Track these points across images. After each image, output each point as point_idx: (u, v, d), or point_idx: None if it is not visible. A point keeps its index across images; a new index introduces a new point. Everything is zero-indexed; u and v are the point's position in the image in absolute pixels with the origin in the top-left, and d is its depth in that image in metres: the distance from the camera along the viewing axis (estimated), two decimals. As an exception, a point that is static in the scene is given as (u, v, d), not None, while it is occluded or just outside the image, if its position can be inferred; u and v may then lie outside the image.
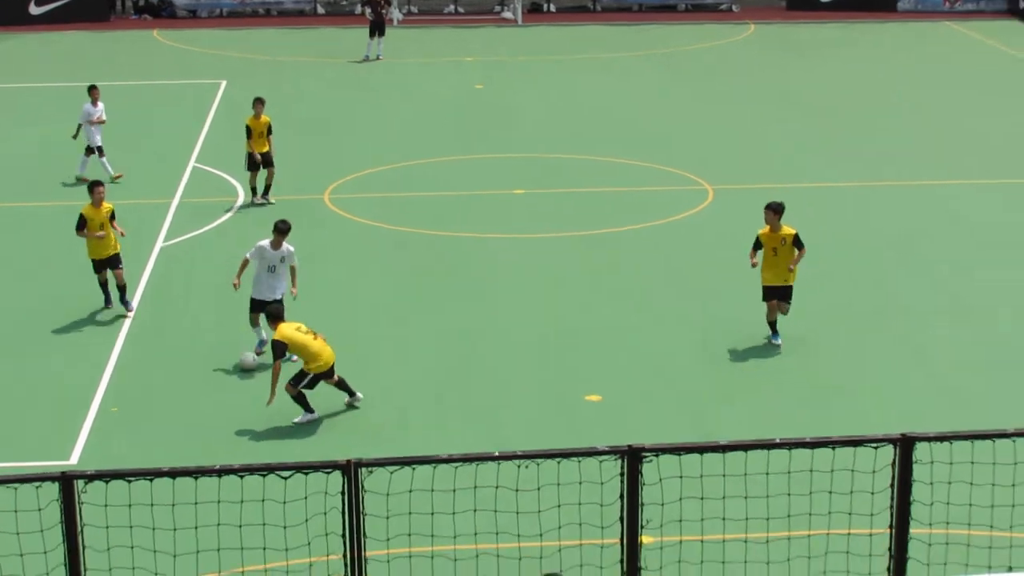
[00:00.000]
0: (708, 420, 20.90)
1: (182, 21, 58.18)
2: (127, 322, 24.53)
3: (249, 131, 31.86)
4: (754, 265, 23.49)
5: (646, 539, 10.88)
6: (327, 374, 20.99)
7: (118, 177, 34.00)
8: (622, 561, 10.55)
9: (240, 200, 32.64)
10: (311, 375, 20.78)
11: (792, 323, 23.67)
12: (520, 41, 53.92)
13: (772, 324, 23.73)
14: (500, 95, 44.10)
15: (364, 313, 25.83)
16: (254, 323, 23.24)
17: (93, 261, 25.02)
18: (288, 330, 20.74)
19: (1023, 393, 22.20)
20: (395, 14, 55.50)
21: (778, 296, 23.34)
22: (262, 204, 31.91)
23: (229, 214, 31.84)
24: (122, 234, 25.75)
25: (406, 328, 24.85)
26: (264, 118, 31.97)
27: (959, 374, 22.92)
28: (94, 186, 25.23)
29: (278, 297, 22.92)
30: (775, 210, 23.61)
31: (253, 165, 31.90)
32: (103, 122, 34.08)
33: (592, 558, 13.54)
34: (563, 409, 21.68)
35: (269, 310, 21.47)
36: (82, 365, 23.32)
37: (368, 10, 51.11)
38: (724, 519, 12.72)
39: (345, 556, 10.21)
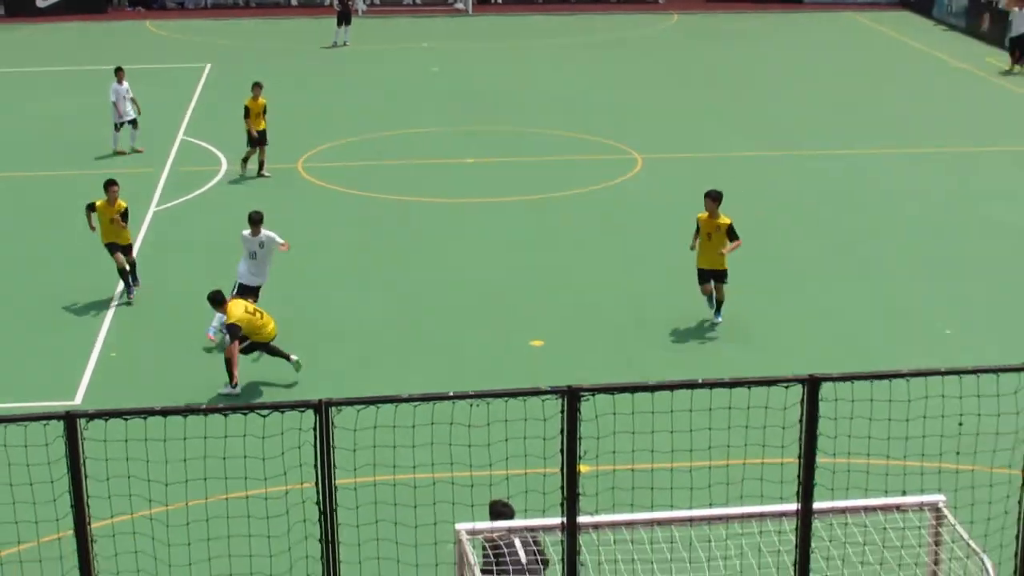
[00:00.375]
0: (639, 363, 20.90)
1: (171, 12, 57.92)
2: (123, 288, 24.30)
3: (247, 111, 31.48)
4: (692, 248, 22.68)
5: (584, 468, 10.72)
6: (264, 345, 20.66)
7: (139, 151, 33.90)
8: (562, 488, 10.41)
9: (224, 169, 32.39)
10: (250, 341, 20.40)
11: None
12: (471, 29, 53.76)
13: (709, 299, 22.61)
14: (453, 77, 43.92)
15: (331, 268, 25.80)
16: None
17: (105, 245, 23.66)
18: (238, 311, 20.06)
19: (914, 339, 22.27)
20: (360, 5, 55.32)
21: (713, 278, 22.45)
22: (263, 177, 31.68)
23: (212, 183, 31.60)
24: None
25: (369, 281, 24.81)
26: (261, 100, 31.54)
27: (859, 324, 22.98)
28: (109, 185, 23.63)
29: (261, 282, 22.12)
30: (714, 198, 22.35)
31: (252, 141, 31.56)
32: (123, 103, 33.71)
33: (536, 486, 13.38)
34: (510, 353, 21.74)
35: (210, 296, 20.39)
36: (85, 316, 23.25)
37: (336, 1, 51.35)
38: (652, 451, 12.59)
39: (317, 484, 10.09)
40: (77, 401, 19.79)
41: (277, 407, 9.78)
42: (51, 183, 31.64)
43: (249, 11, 58.18)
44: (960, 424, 11.74)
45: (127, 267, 23.66)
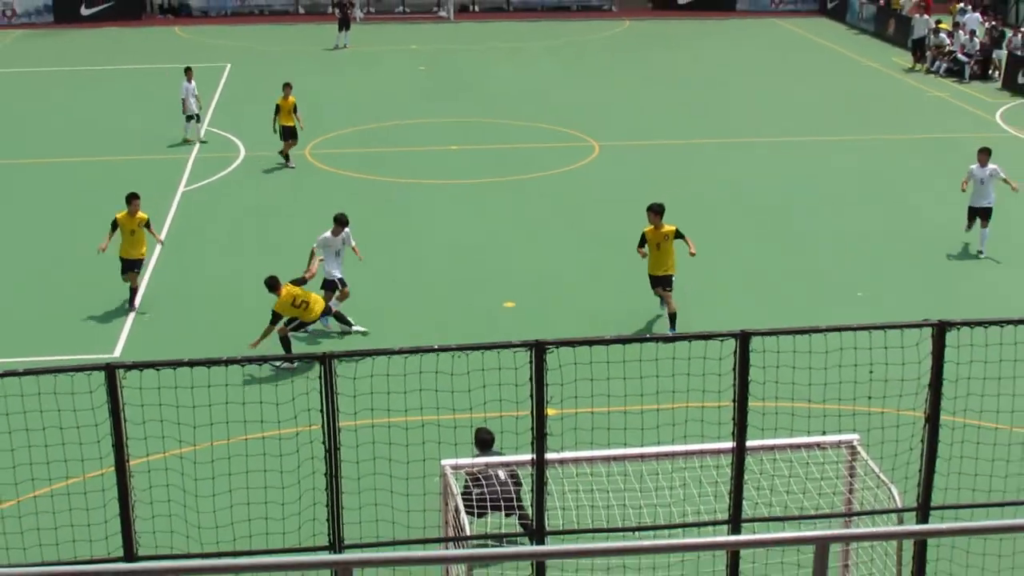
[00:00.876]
0: (598, 320, 20.85)
1: (196, 19, 57.44)
2: (157, 248, 24.05)
3: (278, 108, 30.99)
4: (643, 256, 21.17)
5: (551, 412, 10.72)
6: (309, 323, 20.15)
7: (203, 142, 33.57)
8: (533, 428, 10.39)
9: (242, 155, 32.22)
10: (299, 321, 19.86)
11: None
12: (452, 33, 53.52)
13: (662, 301, 21.19)
14: (438, 75, 43.72)
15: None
16: (326, 300, 20.84)
17: (120, 259, 21.89)
18: (285, 301, 19.39)
19: (832, 301, 22.30)
20: (357, 13, 54.98)
21: (661, 284, 21.12)
22: (289, 168, 31.10)
23: (232, 167, 31.42)
24: (160, 242, 23.54)
25: (368, 250, 24.66)
26: (291, 99, 31.04)
27: (785, 288, 23.04)
28: (131, 198, 22.00)
29: (339, 276, 21.04)
30: (656, 211, 20.90)
31: (285, 135, 31.07)
32: (191, 100, 33.34)
33: (509, 427, 13.44)
34: (487, 312, 21.72)
35: (266, 281, 19.62)
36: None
37: (337, 10, 51.11)
38: (609, 396, 12.59)
39: (323, 426, 10.07)
40: (116, 354, 19.71)
41: (287, 359, 9.75)
42: (99, 166, 31.41)
43: (263, 18, 57.74)
44: (871, 372, 11.75)
45: (138, 286, 22.12)
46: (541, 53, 48.71)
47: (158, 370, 10.25)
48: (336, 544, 10.20)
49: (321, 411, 10.07)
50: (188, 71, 33.50)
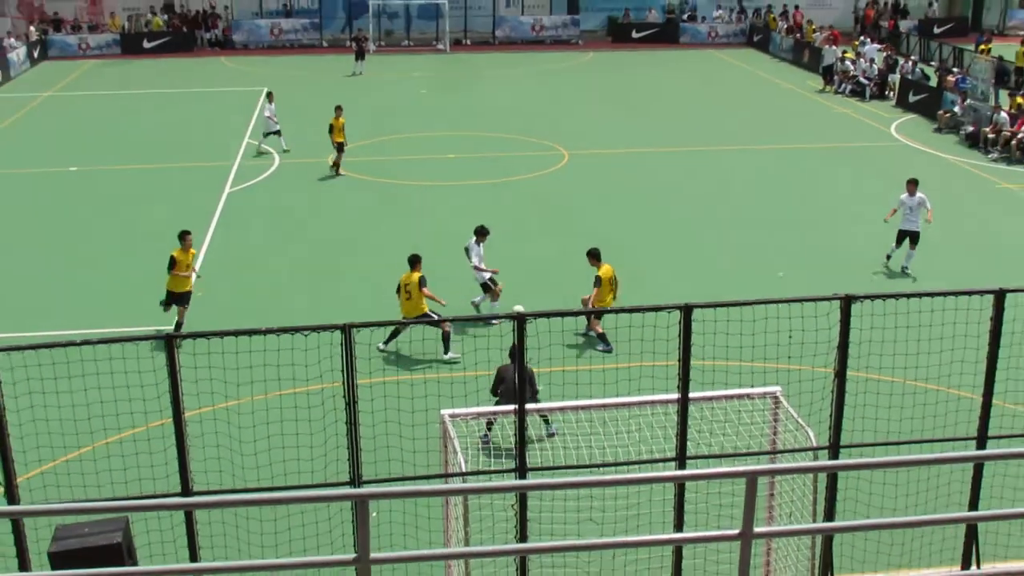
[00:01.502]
0: (566, 297, 20.73)
1: (238, 51, 56.73)
2: (209, 234, 23.88)
3: (331, 128, 30.24)
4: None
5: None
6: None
7: (286, 151, 32.75)
8: (515, 383, 10.35)
9: (276, 163, 32.02)
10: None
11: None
12: (448, 63, 53.16)
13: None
14: (437, 97, 43.40)
15: (350, 230, 25.50)
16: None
17: (169, 293, 19.38)
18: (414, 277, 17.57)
19: (758, 279, 22.25)
20: (370, 45, 54.51)
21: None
22: (339, 176, 30.20)
23: (269, 172, 31.20)
24: (197, 275, 20.48)
25: (381, 238, 24.63)
26: (341, 119, 30.13)
27: (719, 269, 22.99)
28: (184, 234, 19.56)
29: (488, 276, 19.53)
30: (593, 255, 19.14)
31: (337, 149, 30.12)
32: (273, 119, 32.50)
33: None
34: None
35: (409, 258, 18.40)
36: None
37: (354, 43, 50.81)
38: (578, 357, 12.63)
39: (344, 383, 10.00)
40: (173, 326, 19.56)
41: (314, 328, 9.68)
42: (159, 172, 31.18)
43: (293, 49, 57.12)
44: (790, 337, 11.76)
45: (184, 320, 19.39)
46: (521, 78, 48.48)
47: (208, 339, 10.21)
48: (356, 480, 10.15)
49: (342, 371, 10.00)
50: (270, 95, 32.94)
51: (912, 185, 22.74)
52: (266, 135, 33.14)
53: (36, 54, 52.42)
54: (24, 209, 27.78)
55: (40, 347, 9.57)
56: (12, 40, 51.10)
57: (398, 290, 18.31)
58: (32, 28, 54.50)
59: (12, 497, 9.63)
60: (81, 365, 10.79)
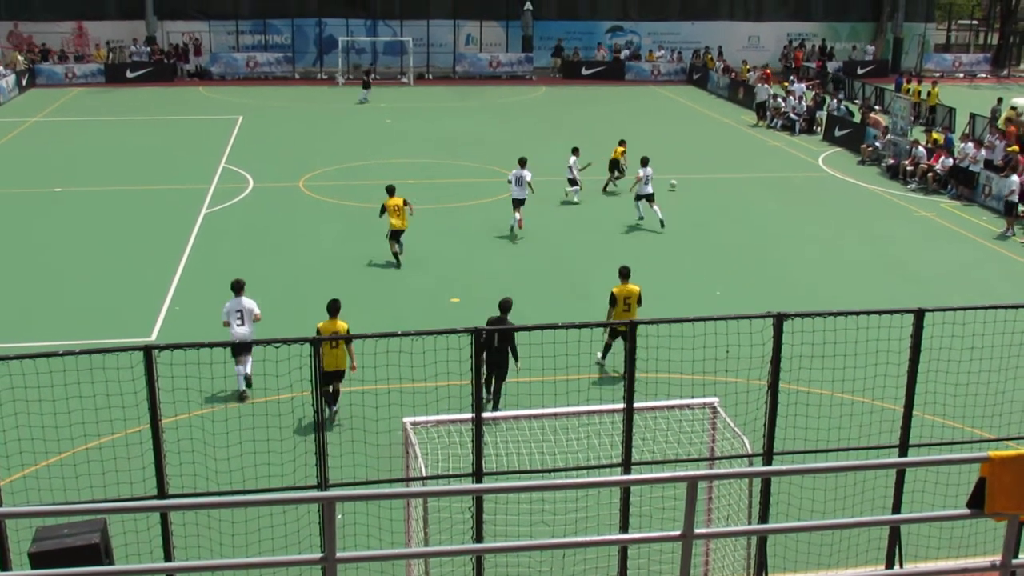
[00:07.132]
0: (525, 312, 20.70)
1: (216, 81, 56.43)
2: (187, 252, 23.62)
3: (383, 208, 24.22)
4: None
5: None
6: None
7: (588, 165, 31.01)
8: (472, 394, 10.28)
9: (251, 186, 31.75)
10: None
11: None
12: (411, 96, 53.09)
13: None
14: (400, 126, 43.30)
15: (321, 253, 25.22)
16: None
17: (323, 372, 13.67)
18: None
19: (696, 298, 22.30)
20: (339, 78, 54.39)
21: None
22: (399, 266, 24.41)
23: (243, 195, 30.92)
24: (353, 367, 14.95)
25: (347, 262, 24.43)
26: (395, 199, 24.20)
27: (661, 288, 23.04)
28: (334, 307, 15.51)
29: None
30: (623, 274, 18.00)
31: (395, 236, 24.13)
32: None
33: (455, 393, 13.30)
34: (437, 306, 21.46)
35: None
36: (158, 278, 22.65)
37: (364, 76, 51.60)
38: (530, 369, 12.59)
39: (311, 392, 9.87)
40: (152, 338, 19.31)
41: (285, 341, 9.55)
42: (140, 193, 30.80)
43: (268, 80, 56.86)
44: (727, 351, 11.79)
45: (339, 390, 14.91)
46: (478, 110, 48.52)
47: (185, 350, 10.05)
48: (323, 483, 10.02)
49: (310, 381, 9.88)
50: (575, 150, 30.31)
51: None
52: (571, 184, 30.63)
53: (24, 82, 51.85)
54: (9, 227, 27.32)
55: (23, 357, 9.37)
56: (1, 68, 50.52)
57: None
58: (20, 58, 53.84)
59: (-6, 500, 9.40)
60: (63, 375, 10.59)
